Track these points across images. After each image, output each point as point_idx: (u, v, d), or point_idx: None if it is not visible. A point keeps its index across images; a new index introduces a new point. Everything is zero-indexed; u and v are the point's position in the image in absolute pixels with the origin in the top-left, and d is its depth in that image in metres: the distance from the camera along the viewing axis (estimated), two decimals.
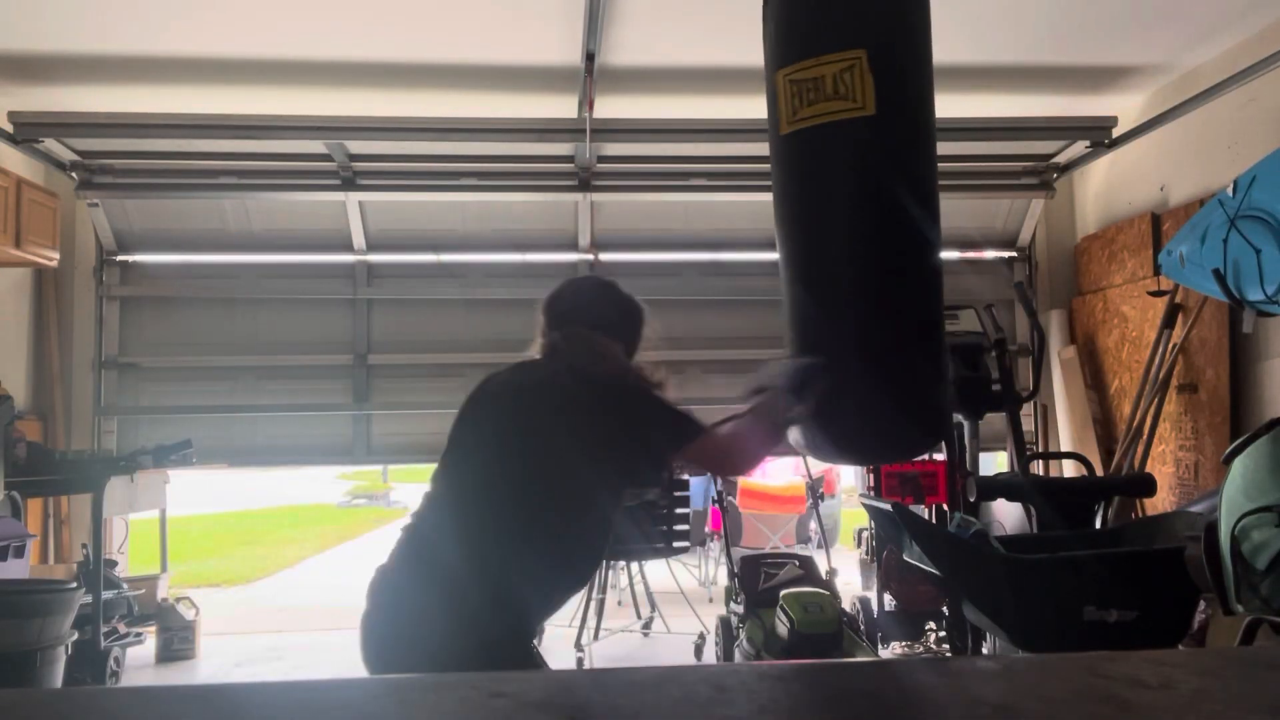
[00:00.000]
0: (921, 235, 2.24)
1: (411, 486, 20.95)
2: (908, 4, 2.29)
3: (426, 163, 5.81)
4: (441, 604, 1.83)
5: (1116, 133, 5.51)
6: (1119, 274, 5.64)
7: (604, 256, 6.18)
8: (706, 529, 7.01)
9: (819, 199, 2.27)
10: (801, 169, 2.31)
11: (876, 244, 2.21)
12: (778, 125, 2.30)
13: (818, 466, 5.61)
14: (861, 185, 2.23)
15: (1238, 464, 2.34)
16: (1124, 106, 5.53)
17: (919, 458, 4.45)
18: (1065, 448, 5.68)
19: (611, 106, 5.18)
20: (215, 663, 5.05)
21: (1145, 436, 5.06)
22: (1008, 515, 5.01)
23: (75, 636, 4.00)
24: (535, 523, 1.89)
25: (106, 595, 4.45)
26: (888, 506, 3.25)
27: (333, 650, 5.49)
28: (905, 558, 3.60)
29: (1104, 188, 5.99)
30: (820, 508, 5.77)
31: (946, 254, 6.40)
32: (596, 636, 4.82)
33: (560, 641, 4.66)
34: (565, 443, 1.96)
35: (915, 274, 2.26)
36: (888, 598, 4.55)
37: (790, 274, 2.26)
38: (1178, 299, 4.94)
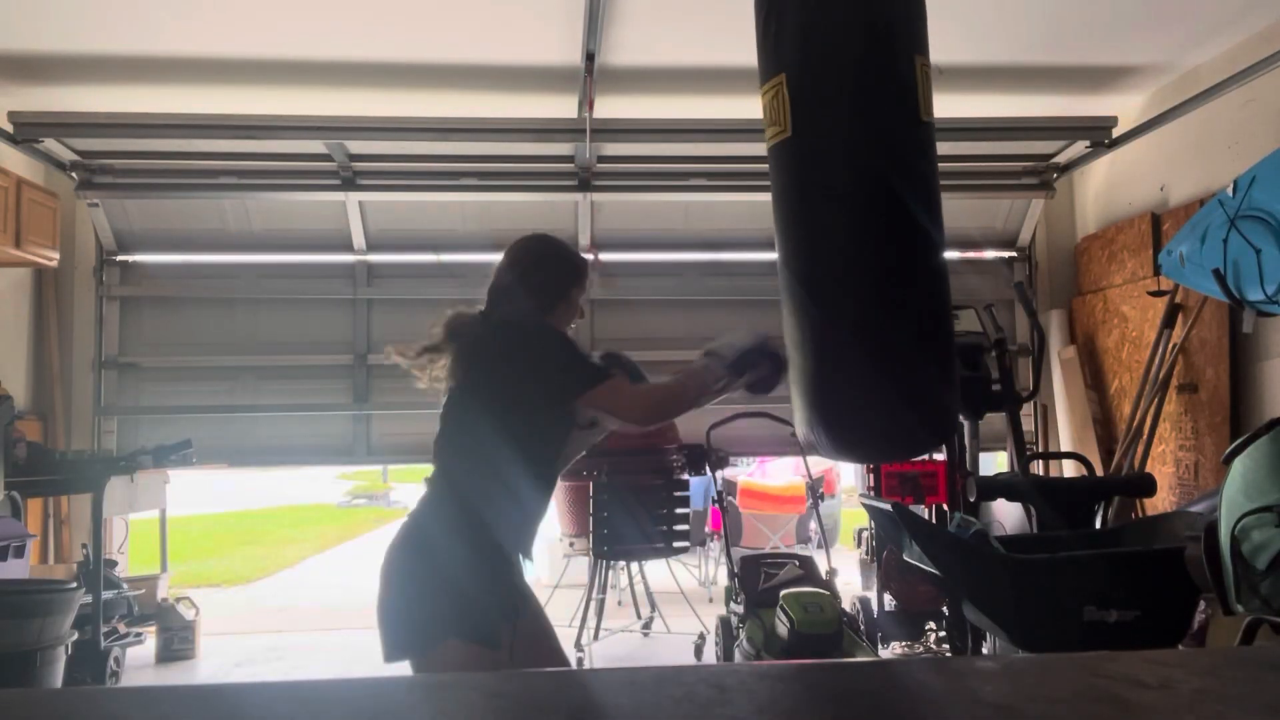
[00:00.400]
0: (885, 236, 2.29)
1: (411, 486, 20.92)
2: (828, 28, 2.30)
3: (426, 163, 5.81)
4: (422, 559, 2.06)
5: (1116, 133, 5.51)
6: (1119, 274, 5.64)
7: (604, 256, 6.18)
8: (706, 529, 7.01)
9: (791, 210, 2.35)
10: (772, 183, 2.45)
11: (842, 259, 2.28)
12: (916, 111, 2.35)
13: (818, 466, 5.61)
14: (803, 199, 2.34)
15: (1238, 464, 2.34)
16: (1124, 106, 5.54)
17: (919, 457, 4.46)
18: (1065, 448, 5.68)
19: (611, 106, 5.18)
20: (215, 663, 5.05)
21: (1145, 436, 5.06)
22: (1008, 515, 5.01)
23: (75, 636, 4.00)
24: (482, 464, 2.13)
25: (106, 595, 4.45)
26: (888, 506, 3.25)
27: (333, 650, 5.49)
28: (905, 558, 3.60)
29: (1104, 188, 5.99)
30: (820, 508, 5.76)
31: (948, 254, 6.40)
32: (596, 636, 4.82)
33: (561, 641, 4.65)
34: (489, 387, 2.19)
35: (907, 275, 2.28)
36: (888, 598, 4.55)
37: (787, 290, 2.32)
38: (1178, 299, 4.94)
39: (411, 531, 2.11)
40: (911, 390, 2.14)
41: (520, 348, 2.22)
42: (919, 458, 4.05)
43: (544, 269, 2.39)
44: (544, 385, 2.14)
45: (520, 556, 2.18)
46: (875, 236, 2.22)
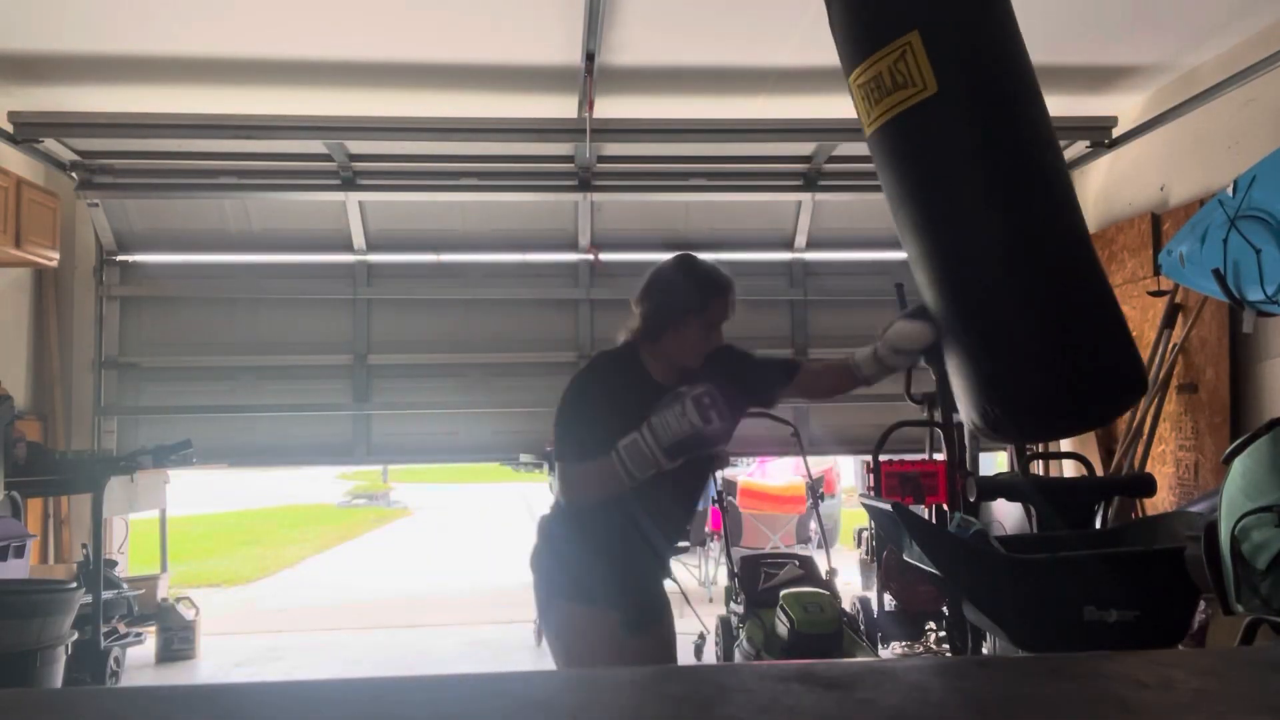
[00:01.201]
0: (1038, 193, 2.17)
1: (411, 486, 20.97)
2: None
3: (426, 163, 5.81)
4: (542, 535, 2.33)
5: (1116, 133, 5.51)
6: (1119, 274, 5.63)
7: (604, 256, 6.18)
8: (706, 529, 7.01)
9: (922, 190, 2.23)
10: (891, 165, 2.29)
11: (999, 215, 2.14)
12: (865, 130, 2.30)
13: (818, 466, 5.61)
14: (950, 165, 2.19)
15: (1238, 464, 2.34)
16: (1124, 106, 5.54)
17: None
18: (1065, 448, 5.68)
19: (611, 106, 5.18)
20: (215, 663, 5.05)
21: (1145, 436, 5.06)
22: (1008, 515, 5.01)
23: (75, 636, 4.00)
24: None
25: (106, 595, 4.45)
26: (888, 506, 3.25)
27: (333, 650, 5.49)
28: (905, 558, 3.60)
29: (1104, 188, 5.99)
30: (820, 508, 5.76)
31: None
32: None
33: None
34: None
35: (1051, 233, 2.17)
36: (888, 598, 4.55)
37: (932, 277, 2.23)
38: (1178, 299, 4.93)
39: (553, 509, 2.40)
40: (1098, 349, 2.08)
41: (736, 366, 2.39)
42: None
43: (651, 296, 2.38)
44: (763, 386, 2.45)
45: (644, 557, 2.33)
46: (993, 207, 2.13)
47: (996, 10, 2.22)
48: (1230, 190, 3.88)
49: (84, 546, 4.64)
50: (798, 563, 4.44)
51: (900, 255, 6.30)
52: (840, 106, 5.43)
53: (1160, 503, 4.92)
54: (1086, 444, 5.53)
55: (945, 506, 4.31)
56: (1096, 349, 2.13)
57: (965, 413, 2.22)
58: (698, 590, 6.62)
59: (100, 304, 5.87)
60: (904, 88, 2.16)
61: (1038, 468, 5.64)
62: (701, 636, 4.83)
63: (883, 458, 4.35)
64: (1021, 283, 2.12)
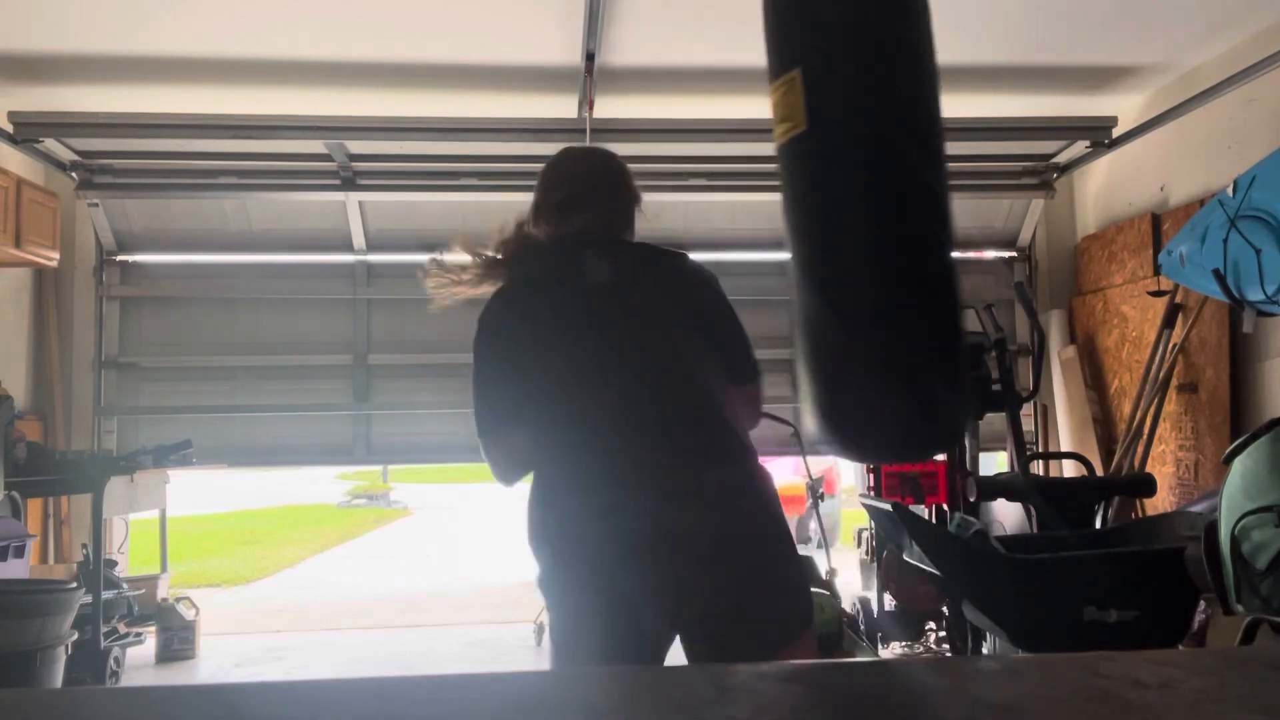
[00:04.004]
0: (890, 233, 2.24)
1: (411, 486, 20.97)
2: (850, 14, 2.27)
3: (426, 163, 5.81)
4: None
5: (1116, 133, 5.51)
6: (1119, 274, 5.64)
7: None
8: None
9: (801, 212, 2.33)
10: (782, 184, 2.37)
11: (865, 263, 2.24)
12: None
13: (818, 466, 5.61)
14: (818, 197, 2.29)
15: (1238, 464, 2.34)
16: (1124, 106, 5.54)
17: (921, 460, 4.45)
18: (1065, 448, 5.68)
19: (611, 106, 5.18)
20: (215, 663, 5.05)
21: (1145, 436, 5.06)
22: (1008, 515, 5.01)
23: (75, 636, 4.00)
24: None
25: (106, 595, 4.45)
26: (888, 506, 3.25)
27: (333, 650, 5.49)
28: (905, 558, 3.60)
29: (1104, 188, 5.99)
30: (820, 508, 5.76)
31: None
32: None
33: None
34: (679, 342, 1.89)
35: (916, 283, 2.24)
36: (888, 598, 4.55)
37: (798, 297, 2.32)
38: (1178, 299, 4.93)
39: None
40: (922, 397, 2.13)
41: (728, 315, 1.97)
42: (921, 460, 4.03)
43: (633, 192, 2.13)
44: (723, 361, 1.92)
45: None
46: (890, 233, 2.17)
47: (888, 50, 2.29)
48: (1230, 190, 3.88)
49: (84, 546, 4.64)
50: None
51: None
52: None
53: (1160, 503, 4.92)
54: (1086, 444, 5.54)
55: (945, 506, 4.31)
56: (919, 399, 2.20)
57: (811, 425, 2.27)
58: None
59: (100, 304, 5.87)
60: (786, 120, 2.26)
61: (1038, 468, 5.64)
62: None
63: None
64: (861, 319, 2.21)
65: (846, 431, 2.13)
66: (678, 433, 1.81)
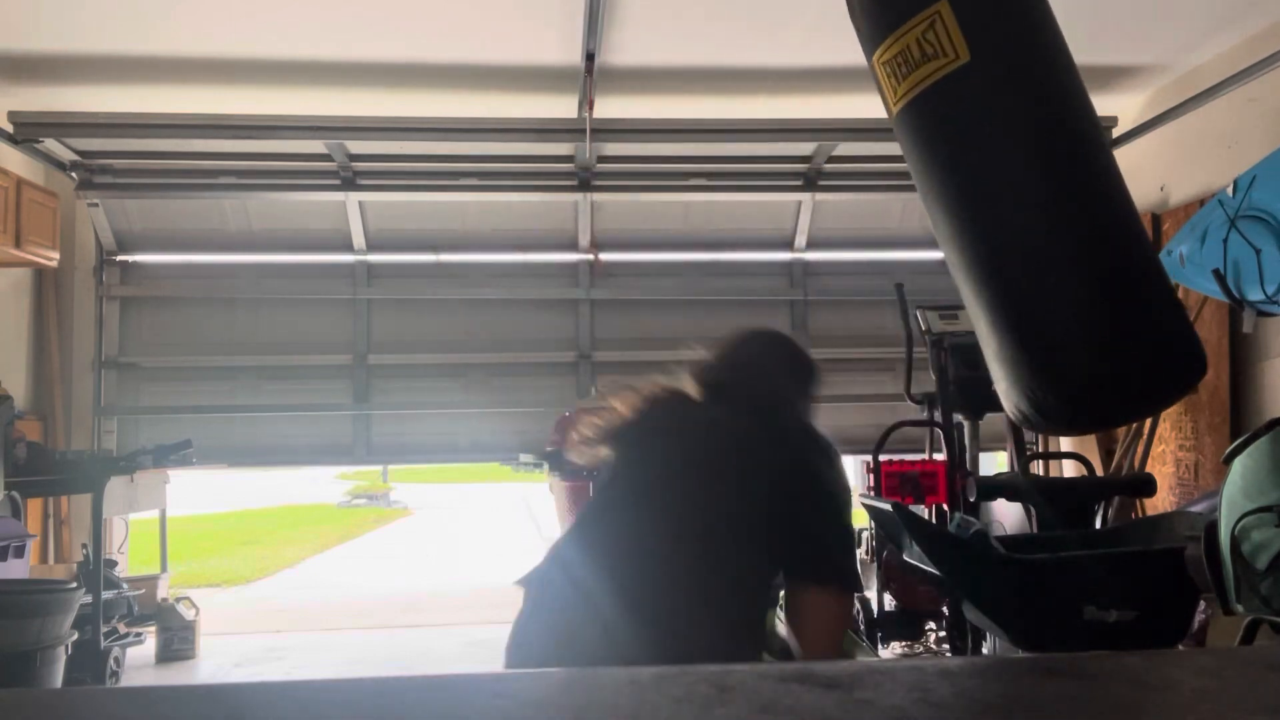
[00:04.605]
0: (1080, 160, 2.05)
1: (411, 486, 20.98)
2: None
3: (426, 163, 5.81)
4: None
5: (1116, 133, 5.51)
6: None
7: (604, 256, 6.19)
8: None
9: (956, 162, 2.08)
10: (922, 141, 2.15)
11: (1041, 184, 1.99)
12: (889, 111, 2.19)
13: None
14: (987, 134, 2.03)
15: (1238, 464, 2.34)
16: (1124, 106, 5.53)
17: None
18: (1065, 448, 5.68)
19: (611, 106, 5.19)
20: (215, 663, 5.05)
21: (1145, 436, 5.06)
22: (1008, 515, 5.00)
23: (75, 636, 4.00)
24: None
25: (106, 595, 4.45)
26: (888, 506, 3.25)
27: (333, 650, 5.49)
28: (905, 558, 3.60)
29: None
30: None
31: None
32: None
33: None
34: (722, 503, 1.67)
35: (1096, 201, 2.05)
36: (888, 598, 4.55)
37: (968, 256, 2.10)
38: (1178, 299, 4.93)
39: None
40: (1154, 326, 1.93)
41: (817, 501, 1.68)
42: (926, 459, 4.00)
43: (807, 378, 1.93)
44: (791, 544, 1.64)
45: None
46: (1066, 166, 2.00)
47: None
48: (1230, 190, 3.88)
49: (84, 546, 4.64)
50: None
51: (900, 255, 6.35)
52: (840, 106, 5.47)
53: (1160, 503, 4.92)
54: (1086, 444, 5.53)
55: (945, 506, 4.31)
56: (1154, 325, 1.99)
57: (1009, 400, 2.06)
58: None
59: (100, 304, 5.87)
60: (934, 59, 2.05)
61: (1038, 468, 5.64)
62: None
63: (883, 458, 4.35)
64: (1067, 253, 1.98)
65: (1072, 397, 1.88)
66: (648, 627, 1.56)
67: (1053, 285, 1.98)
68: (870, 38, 2.21)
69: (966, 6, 2.03)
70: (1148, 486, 3.79)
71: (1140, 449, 5.09)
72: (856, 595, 4.78)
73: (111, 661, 4.41)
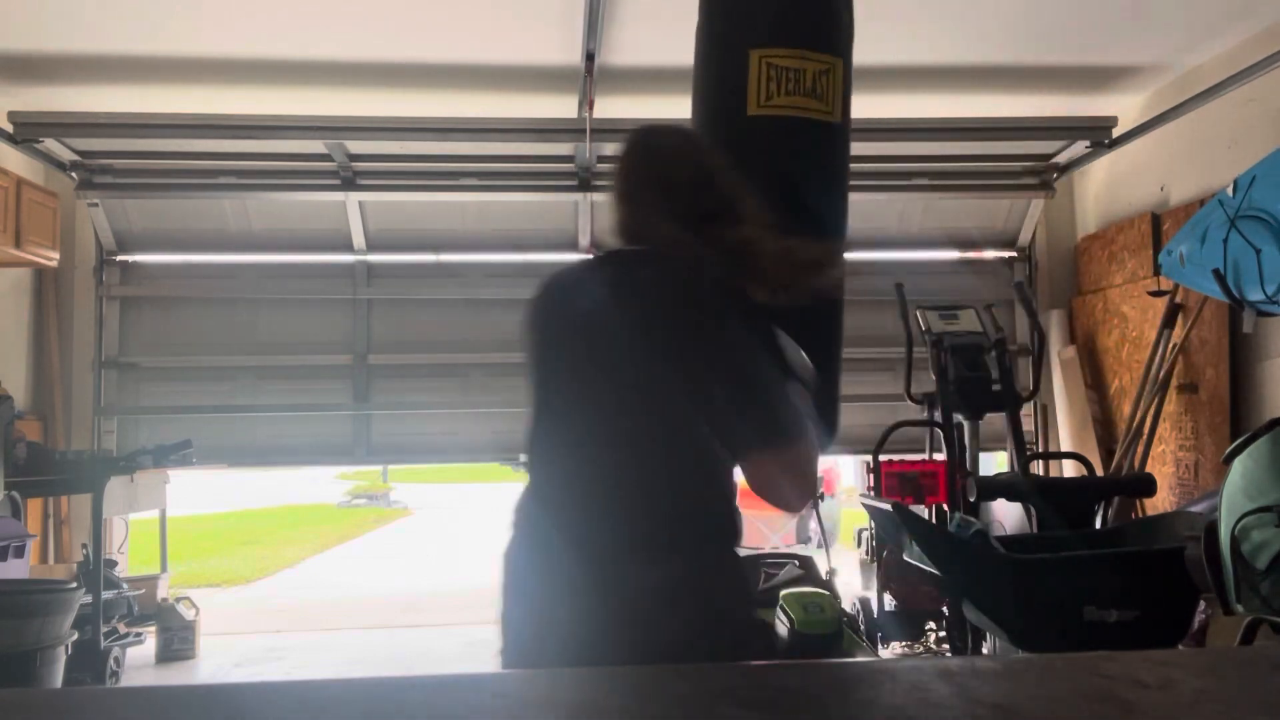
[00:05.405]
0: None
1: (411, 486, 20.97)
2: (849, 31, 2.43)
3: (426, 163, 5.81)
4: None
5: (1116, 133, 5.51)
6: (1119, 274, 5.64)
7: None
8: None
9: (782, 184, 2.29)
10: (768, 153, 2.30)
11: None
12: (744, 104, 2.27)
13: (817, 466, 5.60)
14: (815, 180, 2.34)
15: (1238, 464, 2.34)
16: (1124, 106, 5.53)
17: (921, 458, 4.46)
18: (1065, 448, 5.68)
19: (611, 106, 5.18)
20: (215, 663, 5.05)
21: (1145, 436, 5.06)
22: (1008, 515, 5.00)
23: (75, 636, 4.00)
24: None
25: (106, 595, 4.45)
26: (888, 506, 3.25)
27: (333, 650, 5.49)
28: (905, 558, 3.60)
29: (1104, 188, 5.99)
30: (820, 508, 5.75)
31: (947, 254, 6.41)
32: None
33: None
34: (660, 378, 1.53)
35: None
36: (888, 598, 4.55)
37: None
38: (1178, 299, 4.93)
39: None
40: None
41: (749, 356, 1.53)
42: (920, 458, 3.99)
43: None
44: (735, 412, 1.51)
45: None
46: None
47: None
48: (1230, 190, 3.88)
49: (84, 546, 4.64)
50: (798, 563, 4.43)
51: (900, 255, 6.34)
52: None
53: (1160, 503, 4.92)
54: (1086, 444, 5.54)
55: (945, 506, 4.31)
56: None
57: None
58: None
59: (100, 304, 5.87)
60: (820, 100, 2.33)
61: (1038, 468, 5.64)
62: None
63: (883, 458, 4.35)
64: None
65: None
66: (608, 514, 1.52)
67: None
68: (770, 36, 2.32)
69: (847, 79, 2.30)
70: (1148, 486, 3.79)
71: (1140, 449, 5.09)
72: (856, 596, 4.80)
73: (111, 661, 4.41)
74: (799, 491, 1.54)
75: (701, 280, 1.56)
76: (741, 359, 1.51)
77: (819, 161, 2.34)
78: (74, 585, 4.09)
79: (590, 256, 1.83)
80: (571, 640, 1.47)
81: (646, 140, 1.76)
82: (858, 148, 6.32)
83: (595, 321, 1.63)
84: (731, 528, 1.58)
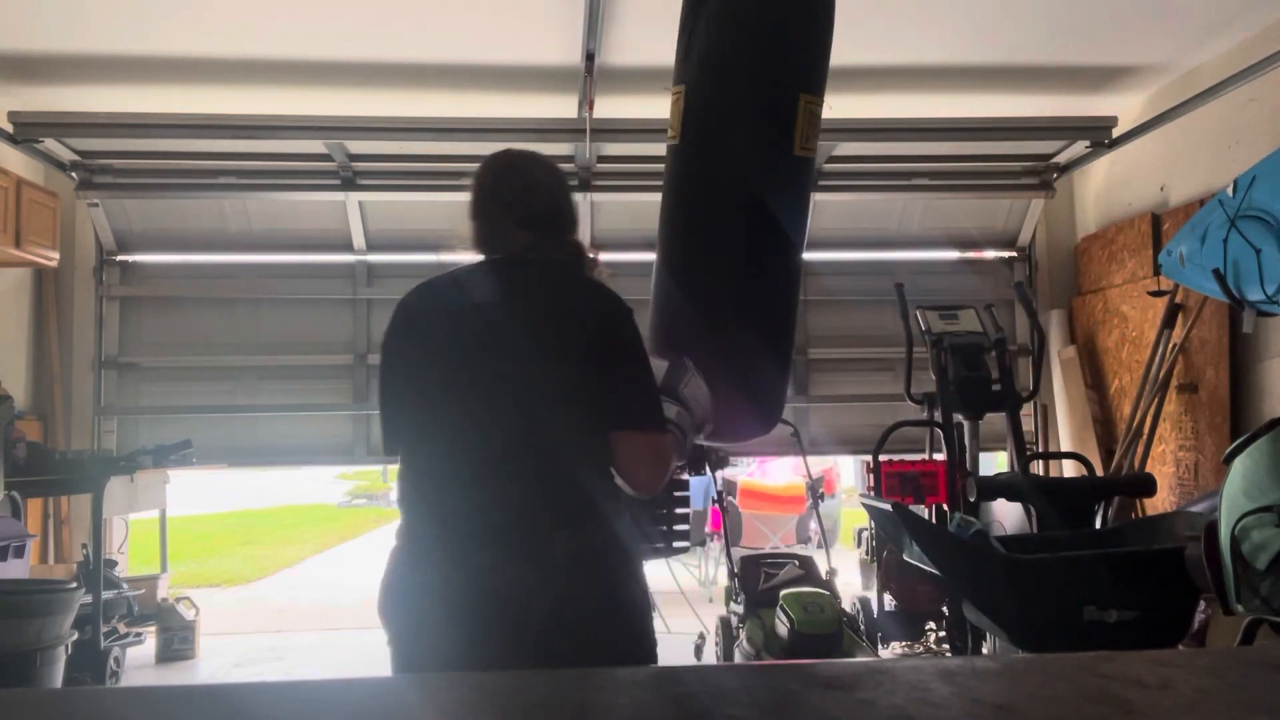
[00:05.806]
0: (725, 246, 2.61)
1: None
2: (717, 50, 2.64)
3: (426, 163, 5.81)
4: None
5: (1116, 133, 5.51)
6: (1119, 274, 5.64)
7: (604, 256, 6.17)
8: (706, 529, 7.00)
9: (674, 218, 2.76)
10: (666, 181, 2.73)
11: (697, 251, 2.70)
12: (791, 144, 2.61)
13: (818, 466, 5.61)
14: (670, 203, 2.70)
15: (1238, 464, 2.34)
16: (1124, 106, 5.54)
17: (920, 458, 4.46)
18: (1065, 448, 5.68)
19: (611, 106, 5.18)
20: (215, 663, 5.05)
21: (1145, 436, 5.06)
22: (1008, 515, 5.01)
23: (75, 636, 4.00)
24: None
25: (106, 595, 4.45)
26: (888, 506, 3.25)
27: (333, 650, 5.49)
28: (905, 558, 3.60)
29: (1104, 188, 5.99)
30: (820, 508, 5.76)
31: (947, 254, 6.41)
32: None
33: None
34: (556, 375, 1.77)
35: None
36: (888, 598, 4.55)
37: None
38: (1178, 299, 4.94)
39: None
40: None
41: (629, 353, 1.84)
42: (919, 459, 4.01)
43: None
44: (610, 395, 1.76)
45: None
46: (739, 245, 2.56)
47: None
48: (1230, 190, 3.88)
49: (84, 546, 4.64)
50: (798, 563, 4.44)
51: (900, 255, 6.34)
52: (840, 107, 5.45)
53: (1160, 503, 4.92)
54: (1086, 444, 5.54)
55: (945, 506, 4.31)
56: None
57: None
58: (698, 590, 6.62)
59: (100, 304, 5.87)
60: (672, 128, 2.63)
61: (1038, 468, 5.64)
62: (701, 637, 4.83)
63: (883, 458, 4.35)
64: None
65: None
66: (520, 488, 1.69)
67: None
68: (679, 74, 2.73)
69: (689, 98, 2.59)
70: (1148, 486, 3.79)
71: (1140, 449, 5.09)
72: (856, 596, 4.80)
73: (111, 661, 4.41)
74: (656, 475, 1.77)
75: (580, 278, 1.98)
76: (618, 345, 1.79)
77: (668, 180, 2.73)
78: (74, 585, 4.09)
79: (459, 264, 2.10)
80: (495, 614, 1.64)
81: (491, 165, 2.17)
82: (858, 148, 6.35)
83: (489, 317, 1.84)
84: (618, 496, 1.80)
